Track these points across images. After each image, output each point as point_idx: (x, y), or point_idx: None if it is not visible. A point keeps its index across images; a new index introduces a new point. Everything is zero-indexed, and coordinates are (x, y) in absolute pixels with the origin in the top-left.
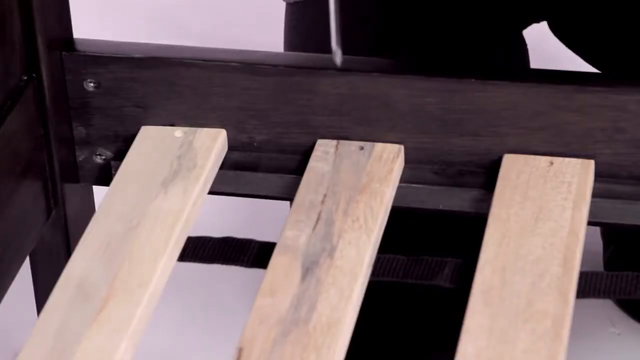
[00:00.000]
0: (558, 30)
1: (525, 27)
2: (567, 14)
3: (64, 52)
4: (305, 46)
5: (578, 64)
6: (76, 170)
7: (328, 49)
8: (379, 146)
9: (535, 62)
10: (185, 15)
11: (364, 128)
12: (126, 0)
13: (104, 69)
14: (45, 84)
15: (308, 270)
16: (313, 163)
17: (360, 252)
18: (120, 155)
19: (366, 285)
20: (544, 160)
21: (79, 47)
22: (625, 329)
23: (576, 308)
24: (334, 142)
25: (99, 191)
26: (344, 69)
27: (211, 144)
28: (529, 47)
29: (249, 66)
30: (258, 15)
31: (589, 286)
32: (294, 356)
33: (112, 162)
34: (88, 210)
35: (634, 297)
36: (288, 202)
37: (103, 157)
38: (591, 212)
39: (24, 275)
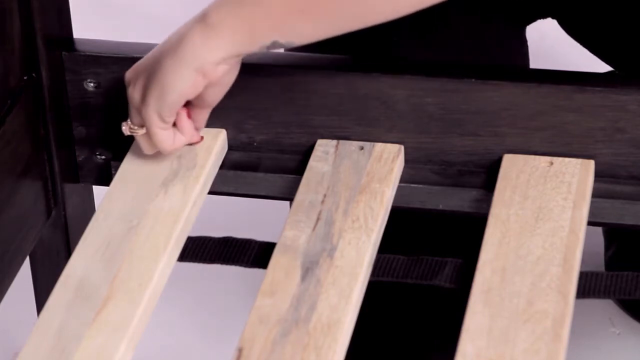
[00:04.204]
0: (566, 24)
1: (531, 22)
2: (574, 8)
3: (64, 52)
4: (305, 46)
5: (578, 64)
6: (76, 170)
7: (328, 49)
8: (379, 146)
9: (535, 62)
10: (185, 16)
11: (364, 128)
12: (126, 0)
13: (104, 69)
14: (45, 84)
15: (308, 270)
16: (313, 163)
17: (360, 252)
18: (120, 155)
19: (366, 285)
20: (544, 160)
21: (79, 47)
22: (625, 328)
23: (576, 308)
24: (334, 142)
25: (99, 191)
26: (344, 69)
27: (211, 144)
28: (529, 47)
29: (249, 66)
30: None
31: (589, 286)
32: (294, 356)
33: (112, 162)
34: (88, 210)
35: (634, 297)
36: (288, 202)
37: (103, 157)
38: (591, 212)
39: (24, 275)
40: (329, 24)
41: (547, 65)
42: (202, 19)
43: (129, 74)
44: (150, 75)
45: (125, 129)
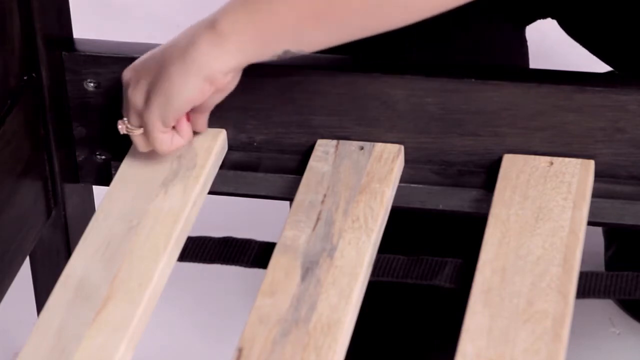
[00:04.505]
0: (566, 24)
1: (531, 22)
2: (574, 8)
3: (64, 52)
4: None
5: (578, 64)
6: (76, 170)
7: (328, 49)
8: (379, 146)
9: (535, 62)
10: (185, 16)
11: (364, 128)
12: (126, 0)
13: (104, 69)
14: (45, 83)
15: (308, 270)
16: (313, 163)
17: (360, 252)
18: (120, 155)
19: (366, 285)
20: (544, 160)
21: (79, 47)
22: (625, 328)
23: (576, 308)
24: (334, 142)
25: (99, 191)
26: (344, 69)
27: (211, 144)
28: (529, 47)
29: (249, 66)
30: None
31: (589, 286)
32: (294, 356)
33: (112, 162)
34: (88, 210)
35: (634, 297)
36: (288, 202)
37: (103, 157)
38: (591, 212)
39: (24, 275)
40: (340, 32)
41: (547, 65)
42: (211, 25)
43: (128, 74)
44: (155, 80)
45: (122, 127)
